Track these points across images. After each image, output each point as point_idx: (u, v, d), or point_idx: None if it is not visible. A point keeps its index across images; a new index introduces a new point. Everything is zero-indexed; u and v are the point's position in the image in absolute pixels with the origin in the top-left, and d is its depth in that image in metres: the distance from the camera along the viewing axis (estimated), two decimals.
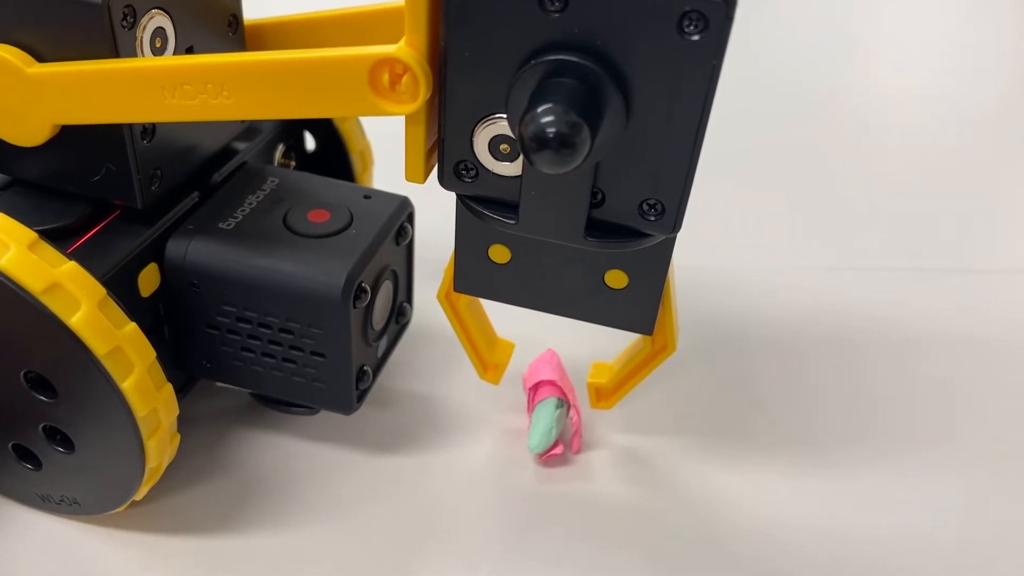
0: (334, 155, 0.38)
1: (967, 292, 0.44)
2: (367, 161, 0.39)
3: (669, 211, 0.24)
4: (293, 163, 0.37)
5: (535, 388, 0.34)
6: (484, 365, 0.34)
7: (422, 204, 0.33)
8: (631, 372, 0.33)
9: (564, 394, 0.34)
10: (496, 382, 0.34)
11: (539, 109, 0.20)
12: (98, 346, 0.24)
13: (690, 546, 0.31)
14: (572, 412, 0.34)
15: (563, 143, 0.20)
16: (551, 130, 0.20)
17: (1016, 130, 0.62)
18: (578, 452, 0.34)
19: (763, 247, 0.47)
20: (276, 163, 0.36)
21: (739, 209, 0.50)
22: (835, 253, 0.47)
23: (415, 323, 0.36)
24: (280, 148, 0.36)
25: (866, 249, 0.48)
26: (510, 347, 0.34)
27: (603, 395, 0.34)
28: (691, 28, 0.20)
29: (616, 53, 0.21)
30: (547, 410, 0.33)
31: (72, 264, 0.25)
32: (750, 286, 0.44)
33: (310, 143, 0.38)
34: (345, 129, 0.37)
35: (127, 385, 0.25)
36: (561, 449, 0.33)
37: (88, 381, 0.25)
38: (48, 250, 0.25)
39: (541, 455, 0.33)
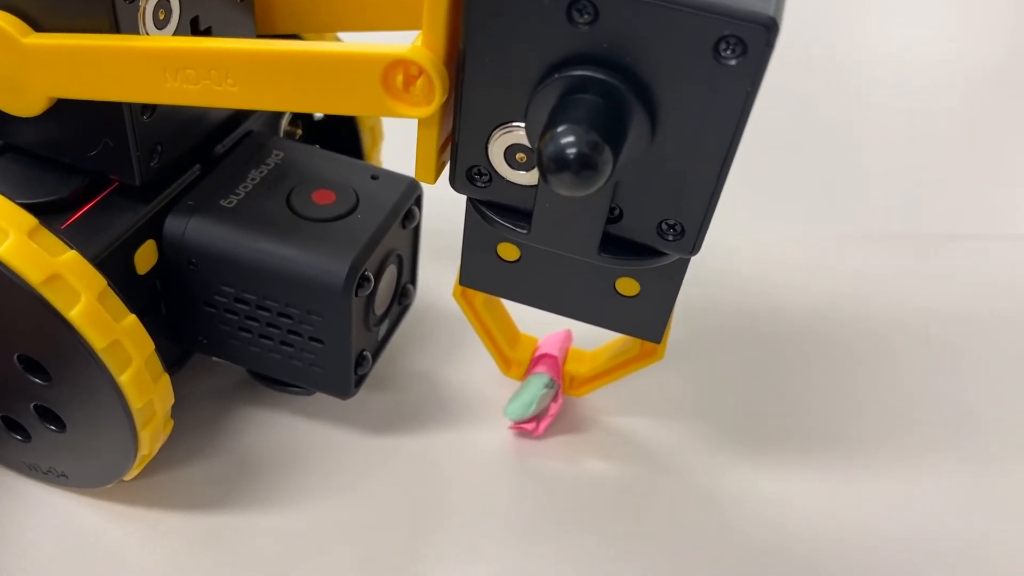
0: (343, 127, 0.36)
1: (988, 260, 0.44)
2: (377, 136, 0.38)
3: (689, 233, 0.23)
4: (300, 131, 0.35)
5: (538, 359, 0.33)
6: (506, 362, 0.33)
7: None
8: (612, 368, 0.32)
9: (559, 375, 0.33)
10: (520, 378, 0.33)
11: (560, 128, 0.19)
12: (97, 340, 0.24)
13: (695, 534, 0.31)
14: (556, 397, 0.33)
15: (584, 165, 0.19)
16: (572, 151, 0.19)
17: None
18: (540, 436, 0.33)
19: (764, 225, 0.46)
20: (282, 131, 0.34)
21: (742, 188, 0.48)
22: (843, 228, 0.46)
23: (418, 302, 0.35)
24: (287, 115, 0.34)
25: (875, 221, 0.47)
26: (533, 342, 0.34)
27: (576, 384, 0.34)
28: (728, 53, 0.19)
29: (645, 72, 0.20)
30: (535, 384, 0.33)
31: (72, 253, 0.24)
32: (751, 268, 0.43)
33: (318, 112, 0.37)
34: None
35: (124, 379, 0.24)
36: (532, 426, 0.33)
37: (84, 372, 0.24)
38: (48, 237, 0.24)
39: (512, 423, 0.33)
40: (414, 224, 0.32)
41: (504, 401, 0.33)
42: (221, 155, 0.30)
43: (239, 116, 0.31)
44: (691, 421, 0.35)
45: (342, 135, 0.36)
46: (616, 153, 0.19)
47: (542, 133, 0.19)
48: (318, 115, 0.37)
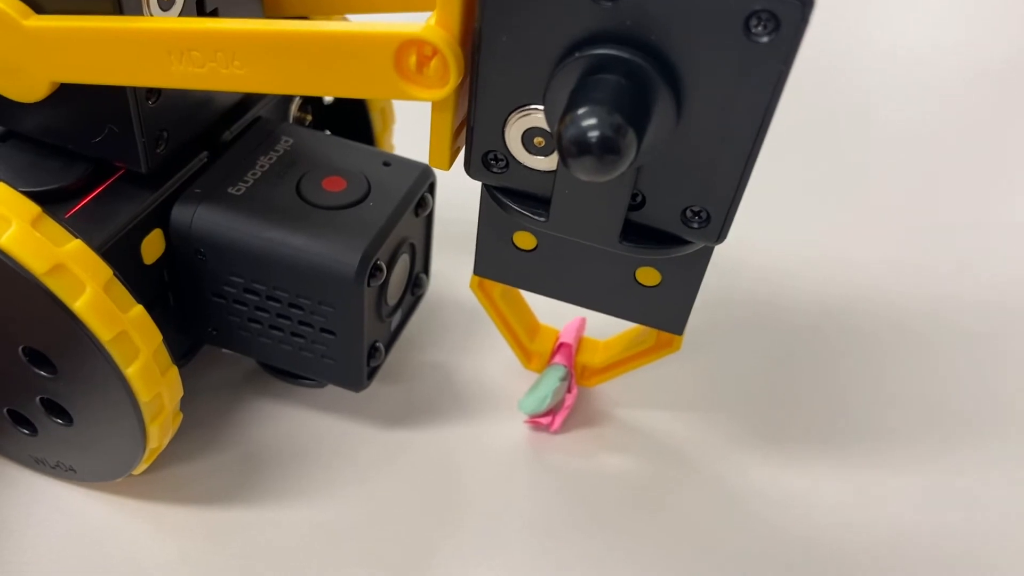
0: (353, 111, 0.35)
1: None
2: (388, 119, 0.37)
3: (715, 220, 0.22)
4: (309, 117, 0.35)
5: (558, 348, 0.33)
6: (527, 354, 0.33)
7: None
8: (626, 359, 0.31)
9: (571, 365, 0.32)
10: (541, 371, 0.32)
11: (581, 110, 0.18)
12: (103, 331, 0.23)
13: (714, 529, 0.30)
14: (571, 388, 0.32)
15: (606, 149, 0.18)
16: (594, 134, 0.18)
17: None
18: (555, 432, 0.32)
19: (782, 215, 0.45)
20: (292, 117, 0.33)
21: (763, 178, 0.47)
22: (863, 218, 0.45)
23: (431, 292, 0.34)
24: (296, 100, 0.33)
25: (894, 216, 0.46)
26: (553, 334, 0.33)
27: (588, 374, 0.33)
28: (760, 29, 0.18)
29: (671, 50, 0.19)
30: (551, 377, 0.32)
31: (77, 243, 0.23)
32: (767, 259, 0.42)
33: (328, 96, 0.36)
34: None
35: (131, 371, 0.24)
36: (548, 420, 0.32)
37: (90, 364, 0.24)
38: (52, 226, 0.23)
39: (527, 417, 0.32)
40: (427, 212, 0.31)
41: (520, 394, 0.33)
42: (229, 142, 0.29)
43: (247, 102, 0.30)
44: (708, 414, 0.34)
45: (353, 119, 0.35)
46: (640, 136, 0.18)
47: (562, 115, 0.19)
48: (328, 99, 0.36)
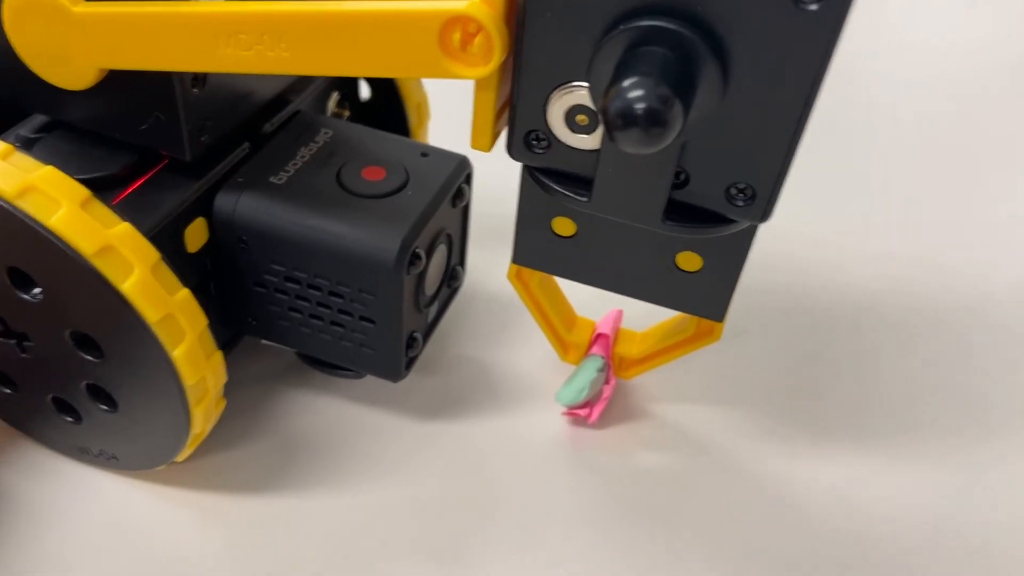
0: (389, 107, 0.36)
1: None
2: (423, 115, 0.37)
3: (760, 197, 0.22)
4: (347, 113, 0.35)
5: (595, 339, 0.32)
6: (564, 346, 0.32)
7: (480, 158, 0.31)
8: (664, 349, 0.31)
9: (609, 356, 0.32)
10: (578, 363, 0.32)
11: (627, 82, 0.18)
12: (150, 313, 0.23)
13: (753, 524, 0.30)
14: (608, 379, 0.32)
15: (653, 121, 0.18)
16: (640, 106, 0.18)
17: None
18: (593, 423, 0.32)
19: (824, 209, 0.45)
20: (329, 112, 0.34)
21: (804, 171, 0.47)
22: (902, 214, 0.45)
23: (467, 285, 0.34)
24: (334, 96, 0.34)
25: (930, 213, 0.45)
26: (590, 325, 0.33)
27: (625, 365, 0.32)
28: None
29: (718, 20, 0.19)
30: (588, 368, 0.31)
31: (125, 225, 0.23)
32: (808, 252, 0.42)
33: (364, 92, 0.36)
34: (403, 80, 0.35)
35: (177, 353, 0.24)
36: (586, 412, 0.32)
37: (137, 346, 0.24)
38: (101, 208, 0.23)
39: (565, 408, 0.32)
40: (464, 203, 0.31)
41: (555, 387, 0.32)
42: (270, 134, 0.30)
43: (287, 95, 0.31)
44: (745, 408, 0.34)
45: (389, 115, 0.36)
46: (686, 108, 0.18)
47: (607, 88, 0.19)
48: (364, 95, 0.36)
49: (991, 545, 0.29)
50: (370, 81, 0.36)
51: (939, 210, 0.46)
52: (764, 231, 0.24)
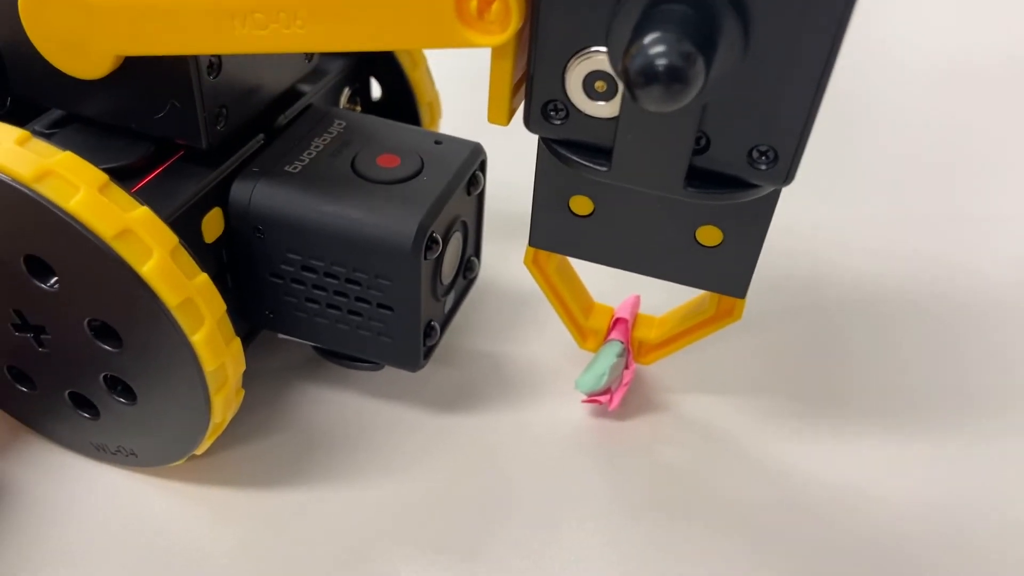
0: (401, 104, 0.36)
1: None
2: (435, 112, 0.37)
3: (783, 158, 0.21)
4: (358, 108, 0.35)
5: (614, 324, 0.32)
6: (582, 333, 0.32)
7: (491, 156, 0.31)
8: (685, 331, 0.31)
9: (628, 341, 0.32)
10: (596, 350, 0.32)
11: (648, 38, 0.18)
12: (169, 297, 0.23)
13: (775, 515, 0.29)
14: (628, 364, 0.32)
15: (675, 77, 0.18)
16: (662, 62, 0.18)
17: None
18: (614, 409, 0.32)
19: (843, 204, 0.45)
20: (341, 108, 0.34)
21: (823, 166, 0.47)
22: (922, 209, 0.44)
23: (481, 279, 0.34)
24: (346, 92, 0.34)
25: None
26: (608, 312, 0.32)
27: (645, 350, 0.32)
28: None
29: None
30: (607, 354, 0.31)
31: (144, 209, 0.23)
32: (826, 243, 0.41)
33: (376, 91, 0.36)
34: (415, 78, 0.35)
35: (197, 338, 0.24)
36: (607, 398, 0.31)
37: (156, 332, 0.24)
38: (119, 193, 0.23)
39: (585, 395, 0.32)
40: (478, 191, 0.31)
41: (571, 378, 0.32)
42: (284, 125, 0.30)
43: (299, 88, 0.31)
44: (764, 397, 0.33)
45: (401, 114, 0.36)
46: (708, 65, 0.18)
47: (627, 47, 0.18)
48: (376, 94, 0.36)
49: (1010, 544, 0.29)
50: (382, 79, 0.36)
51: (955, 205, 0.45)
52: (778, 228, 0.24)
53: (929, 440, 0.32)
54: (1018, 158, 0.50)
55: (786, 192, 0.24)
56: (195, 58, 0.25)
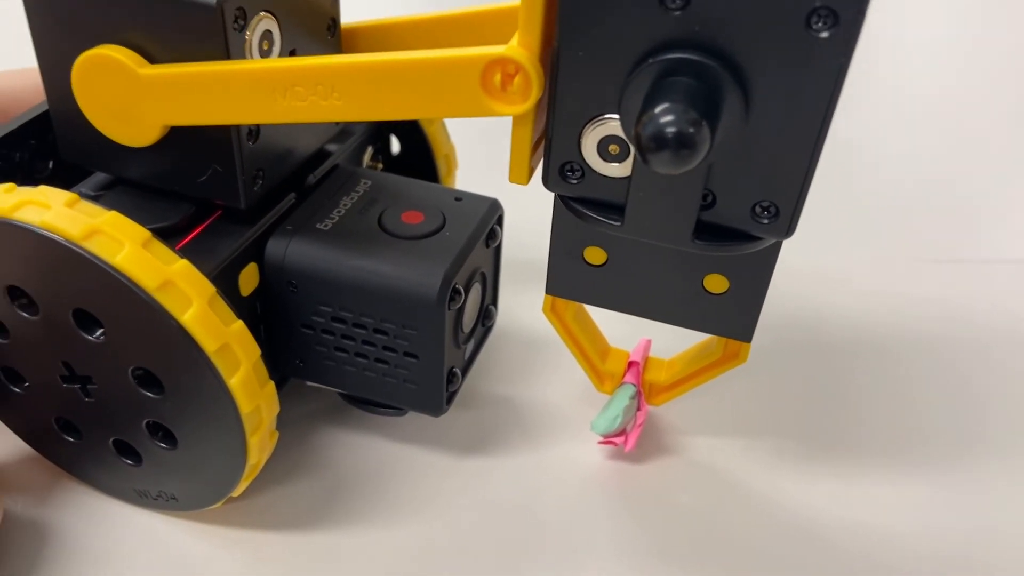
0: (419, 158, 0.38)
1: None
2: (451, 164, 0.39)
3: (784, 213, 0.23)
4: (380, 165, 0.37)
5: (629, 366, 0.33)
6: (600, 376, 0.34)
7: (502, 198, 0.33)
8: (693, 374, 0.32)
9: (640, 383, 0.33)
10: (612, 393, 0.33)
11: (657, 108, 0.20)
12: (208, 343, 0.25)
13: (791, 556, 0.30)
14: (641, 405, 0.33)
15: (683, 143, 0.20)
16: (671, 130, 0.20)
17: None
18: (629, 451, 0.33)
19: (836, 248, 0.46)
20: (365, 165, 0.36)
21: (818, 209, 0.49)
22: (914, 252, 0.46)
23: (498, 326, 0.36)
24: (369, 151, 0.36)
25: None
26: (624, 356, 0.34)
27: (655, 392, 0.33)
28: (820, 24, 0.20)
29: (738, 50, 0.21)
30: (622, 396, 0.32)
31: (184, 262, 0.25)
32: (833, 280, 0.43)
33: (395, 146, 0.38)
34: (431, 132, 0.37)
35: (234, 382, 0.25)
36: (622, 439, 0.33)
37: (196, 377, 0.25)
38: (161, 248, 0.25)
39: (601, 437, 0.33)
40: (496, 243, 0.33)
41: (587, 420, 0.33)
42: (313, 184, 0.32)
43: (327, 149, 0.33)
44: (775, 438, 0.34)
45: (419, 167, 0.38)
46: (713, 131, 0.20)
47: (639, 116, 0.20)
48: (396, 149, 0.38)
49: None
50: (400, 135, 0.38)
51: (947, 248, 0.47)
52: (778, 272, 0.26)
53: (938, 479, 0.33)
54: (1019, 196, 0.51)
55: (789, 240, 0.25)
56: (236, 126, 0.26)
